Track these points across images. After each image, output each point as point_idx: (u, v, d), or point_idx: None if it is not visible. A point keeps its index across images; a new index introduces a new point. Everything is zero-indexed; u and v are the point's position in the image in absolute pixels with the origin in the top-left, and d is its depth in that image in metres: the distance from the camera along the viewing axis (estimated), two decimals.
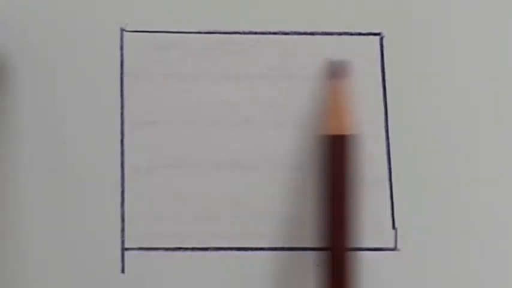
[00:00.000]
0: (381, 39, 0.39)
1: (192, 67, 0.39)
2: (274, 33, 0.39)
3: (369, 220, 0.38)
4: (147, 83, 0.39)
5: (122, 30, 0.39)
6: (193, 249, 0.37)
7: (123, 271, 0.37)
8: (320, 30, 0.39)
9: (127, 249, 0.37)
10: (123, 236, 0.37)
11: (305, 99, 0.39)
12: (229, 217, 0.38)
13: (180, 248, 0.37)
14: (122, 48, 0.39)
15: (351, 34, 0.39)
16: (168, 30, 0.39)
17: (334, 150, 0.36)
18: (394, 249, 0.38)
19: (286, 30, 0.39)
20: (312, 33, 0.39)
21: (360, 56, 0.39)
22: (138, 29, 0.39)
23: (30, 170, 0.37)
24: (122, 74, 0.39)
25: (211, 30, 0.39)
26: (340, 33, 0.39)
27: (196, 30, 0.39)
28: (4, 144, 0.38)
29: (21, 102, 0.38)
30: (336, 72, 0.36)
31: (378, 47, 0.39)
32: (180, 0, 0.39)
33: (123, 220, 0.37)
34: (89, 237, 0.37)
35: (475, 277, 0.38)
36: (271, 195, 0.38)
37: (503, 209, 0.38)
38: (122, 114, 0.38)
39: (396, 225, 0.38)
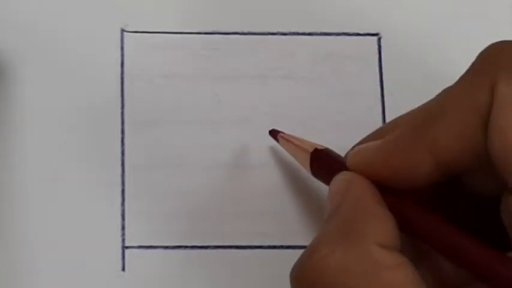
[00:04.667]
0: (379, 39, 0.40)
1: (192, 67, 0.39)
2: (273, 33, 0.40)
3: None
4: (147, 83, 0.39)
5: (122, 30, 0.39)
6: (193, 247, 0.37)
7: (123, 269, 0.37)
8: (318, 30, 0.40)
9: (127, 247, 0.37)
10: (123, 235, 0.37)
11: (304, 99, 0.39)
12: (229, 216, 0.38)
13: (180, 246, 0.37)
14: (122, 48, 0.39)
15: (349, 34, 0.40)
16: (168, 30, 0.39)
17: None
18: None
19: (285, 30, 0.40)
20: (310, 34, 0.40)
21: (358, 56, 0.40)
22: (138, 30, 0.39)
23: (32, 169, 0.38)
24: (122, 74, 0.39)
25: (210, 30, 0.39)
26: (338, 34, 0.40)
27: (196, 31, 0.39)
28: (5, 144, 0.38)
29: (22, 103, 0.38)
30: None
31: (376, 47, 0.40)
32: (180, 1, 0.40)
33: (123, 218, 0.37)
34: (89, 235, 0.37)
35: None
36: (270, 194, 0.38)
37: None
38: (122, 113, 0.38)
39: None
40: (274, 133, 0.38)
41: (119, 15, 0.39)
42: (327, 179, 0.32)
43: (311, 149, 0.35)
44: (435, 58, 0.39)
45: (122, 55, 0.39)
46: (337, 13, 0.40)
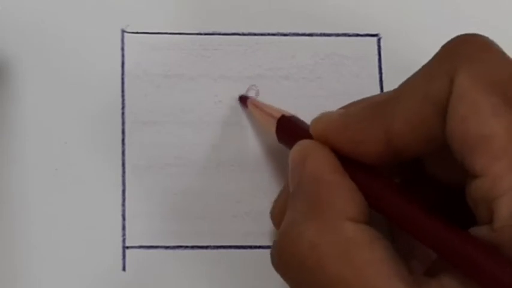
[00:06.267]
0: (379, 40, 0.40)
1: (192, 68, 0.39)
2: (273, 34, 0.40)
3: None
4: (147, 83, 0.39)
5: (123, 31, 0.39)
6: (193, 247, 0.37)
7: (124, 269, 0.37)
8: (319, 31, 0.40)
9: (128, 247, 0.37)
10: (124, 235, 0.37)
11: (304, 99, 0.39)
12: (229, 216, 0.38)
13: (180, 246, 0.37)
14: (122, 49, 0.39)
15: (349, 35, 0.40)
16: (168, 31, 0.40)
17: None
18: None
19: (285, 31, 0.40)
20: (310, 34, 0.40)
21: (358, 56, 0.40)
22: (139, 31, 0.39)
23: (33, 169, 0.38)
24: (122, 74, 0.39)
25: (211, 31, 0.40)
26: (338, 34, 0.40)
27: (196, 32, 0.40)
28: (7, 144, 0.38)
29: (23, 103, 0.38)
30: None
31: (376, 47, 0.40)
32: (180, 2, 0.40)
33: (124, 219, 0.38)
34: (90, 235, 0.37)
35: None
36: (270, 194, 0.38)
37: None
38: (122, 114, 0.39)
39: None
40: (243, 99, 0.38)
41: (120, 16, 0.39)
42: (291, 146, 0.32)
43: (278, 115, 0.35)
44: None
45: (123, 56, 0.39)
46: (337, 14, 0.40)
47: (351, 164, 0.30)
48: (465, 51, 0.28)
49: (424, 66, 0.29)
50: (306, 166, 0.30)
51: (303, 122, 0.34)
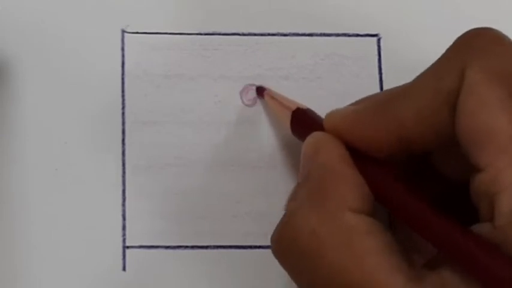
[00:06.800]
0: (378, 40, 0.40)
1: (192, 68, 0.39)
2: (273, 34, 0.40)
3: None
4: (147, 83, 0.39)
5: (123, 31, 0.39)
6: (193, 247, 0.38)
7: (124, 269, 0.37)
8: (318, 31, 0.40)
9: (128, 247, 0.37)
10: (124, 235, 0.37)
11: (304, 99, 0.39)
12: (229, 215, 0.38)
13: (180, 246, 0.37)
14: (123, 49, 0.39)
15: (349, 35, 0.40)
16: (168, 31, 0.40)
17: None
18: None
19: (285, 31, 0.40)
20: (310, 34, 0.40)
21: (358, 56, 0.40)
22: (139, 31, 0.39)
23: (33, 169, 0.38)
24: (123, 74, 0.39)
25: (211, 31, 0.40)
26: (338, 34, 0.40)
27: (196, 32, 0.40)
28: (7, 144, 0.38)
29: (23, 103, 0.38)
30: None
31: (375, 47, 0.40)
32: (180, 2, 0.40)
33: (124, 218, 0.38)
34: (90, 235, 0.37)
35: None
36: (270, 194, 0.38)
37: None
38: (123, 114, 0.39)
39: None
40: (260, 90, 0.38)
41: (120, 16, 0.39)
42: (304, 138, 0.33)
43: (294, 107, 0.35)
44: (435, 58, 0.39)
45: (123, 56, 0.39)
46: (337, 14, 0.40)
47: (361, 157, 0.30)
48: (477, 44, 0.28)
49: (436, 61, 0.29)
50: (317, 157, 0.30)
51: (317, 116, 0.35)
